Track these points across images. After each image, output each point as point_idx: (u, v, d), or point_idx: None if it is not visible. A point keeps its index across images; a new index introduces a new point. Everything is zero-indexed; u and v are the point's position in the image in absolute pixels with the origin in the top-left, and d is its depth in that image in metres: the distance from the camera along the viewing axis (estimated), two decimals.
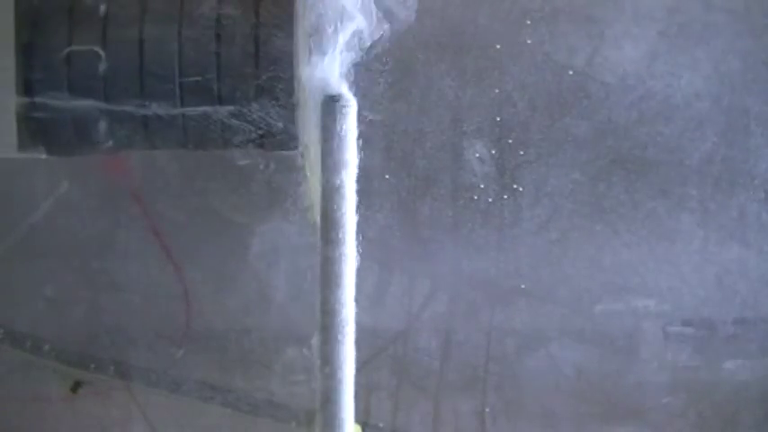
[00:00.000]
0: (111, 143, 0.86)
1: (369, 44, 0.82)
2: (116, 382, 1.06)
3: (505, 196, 0.97)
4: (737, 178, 0.99)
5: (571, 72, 0.97)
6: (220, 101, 0.83)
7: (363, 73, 0.83)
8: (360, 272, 0.78)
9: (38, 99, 0.84)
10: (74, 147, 0.86)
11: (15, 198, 1.04)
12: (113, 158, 1.01)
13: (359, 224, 0.79)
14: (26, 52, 0.84)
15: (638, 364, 1.02)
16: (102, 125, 0.86)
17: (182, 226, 1.02)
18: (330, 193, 0.79)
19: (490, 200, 0.97)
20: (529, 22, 0.96)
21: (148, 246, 1.03)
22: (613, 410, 1.02)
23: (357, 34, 0.83)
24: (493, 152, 0.97)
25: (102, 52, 0.83)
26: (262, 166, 0.91)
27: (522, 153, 0.97)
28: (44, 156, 0.85)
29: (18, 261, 1.05)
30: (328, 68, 0.83)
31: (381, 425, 1.01)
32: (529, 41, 0.96)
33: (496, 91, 0.97)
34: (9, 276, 1.06)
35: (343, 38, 0.82)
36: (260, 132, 0.85)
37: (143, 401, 1.06)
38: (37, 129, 0.86)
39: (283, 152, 0.90)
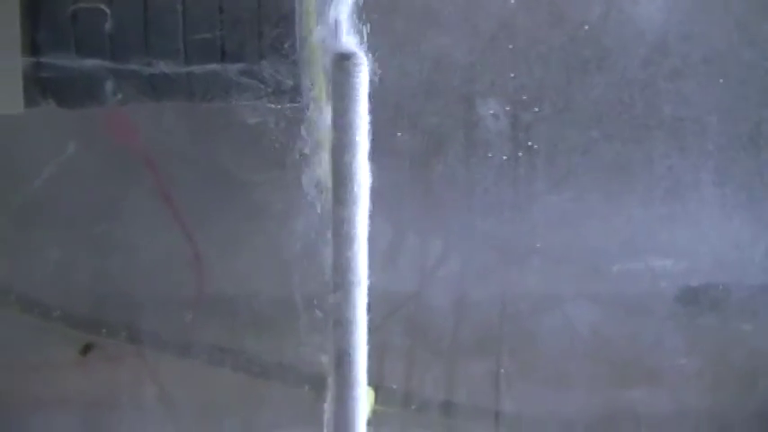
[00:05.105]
0: (119, 98, 0.86)
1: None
2: (127, 346, 1.06)
3: (520, 154, 0.96)
4: (757, 135, 0.98)
5: (586, 27, 0.95)
6: (228, 58, 0.82)
7: (374, 29, 0.81)
8: (372, 231, 0.77)
9: (44, 59, 0.84)
10: (82, 102, 0.86)
11: (21, 160, 1.03)
12: (120, 120, 1.00)
13: (370, 183, 0.77)
14: (31, 11, 0.83)
15: (655, 324, 1.01)
16: (109, 84, 0.86)
17: (191, 186, 1.02)
18: (341, 152, 0.78)
19: (504, 157, 0.96)
20: None
21: (158, 207, 1.02)
22: (629, 371, 1.01)
23: None
24: (507, 109, 0.95)
25: (107, 10, 0.82)
26: (272, 125, 0.90)
27: (536, 110, 0.96)
28: (54, 107, 0.85)
29: (25, 224, 1.05)
30: (338, 25, 0.82)
31: (394, 386, 1.00)
32: None
33: (510, 47, 0.95)
34: (17, 240, 1.05)
35: None
36: (269, 90, 0.85)
37: (153, 365, 1.06)
38: (44, 87, 0.85)
39: (294, 109, 0.89)
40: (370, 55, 0.79)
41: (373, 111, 0.77)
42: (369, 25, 0.80)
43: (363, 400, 0.77)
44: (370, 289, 0.77)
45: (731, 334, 1.01)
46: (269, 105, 0.91)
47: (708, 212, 0.99)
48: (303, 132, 0.88)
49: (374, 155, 0.77)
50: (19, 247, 1.06)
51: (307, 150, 0.88)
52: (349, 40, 0.81)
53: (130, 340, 1.06)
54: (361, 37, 0.81)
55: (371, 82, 0.79)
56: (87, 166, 1.03)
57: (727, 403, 1.02)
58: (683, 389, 1.01)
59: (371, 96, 0.77)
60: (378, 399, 0.87)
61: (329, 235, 0.77)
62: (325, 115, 0.82)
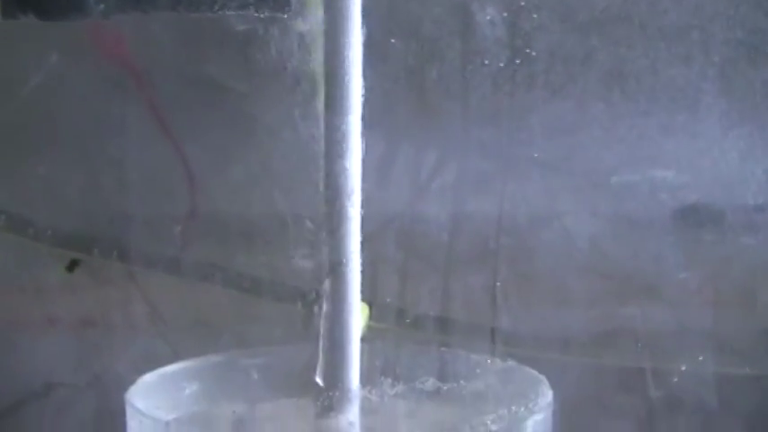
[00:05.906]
0: (102, 9, 0.84)
1: None
2: (116, 263, 1.05)
3: (518, 61, 0.94)
4: (763, 46, 0.95)
5: None
6: None
7: None
8: (365, 141, 0.75)
9: None
10: (63, 14, 0.84)
11: (3, 77, 1.01)
12: (104, 29, 0.98)
13: (364, 91, 0.75)
14: None
15: (655, 237, 0.99)
16: None
17: (179, 97, 0.99)
18: (334, 60, 0.75)
19: (502, 65, 0.94)
20: None
21: (147, 121, 1.00)
22: (628, 285, 1.00)
23: None
24: (504, 15, 0.93)
25: None
26: (261, 31, 0.88)
27: (535, 16, 0.93)
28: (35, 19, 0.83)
29: (13, 142, 1.03)
30: None
31: (388, 300, 0.99)
32: None
33: None
34: (4, 159, 1.04)
35: None
36: None
37: (143, 282, 1.04)
38: None
39: (283, 17, 0.87)
40: None
41: (366, 17, 0.75)
42: None
43: (357, 315, 0.76)
44: (363, 200, 0.75)
45: (732, 247, 1.00)
46: (256, 14, 0.88)
47: (711, 123, 0.97)
48: (294, 40, 0.86)
49: (367, 62, 0.74)
50: (7, 167, 1.04)
51: (298, 59, 0.86)
52: None
53: (121, 258, 1.05)
54: None
55: None
56: (74, 81, 1.01)
57: (726, 319, 1.01)
58: (683, 303, 1.00)
59: (364, 2, 0.75)
60: (371, 314, 0.85)
61: (321, 145, 0.76)
62: (316, 22, 0.79)
